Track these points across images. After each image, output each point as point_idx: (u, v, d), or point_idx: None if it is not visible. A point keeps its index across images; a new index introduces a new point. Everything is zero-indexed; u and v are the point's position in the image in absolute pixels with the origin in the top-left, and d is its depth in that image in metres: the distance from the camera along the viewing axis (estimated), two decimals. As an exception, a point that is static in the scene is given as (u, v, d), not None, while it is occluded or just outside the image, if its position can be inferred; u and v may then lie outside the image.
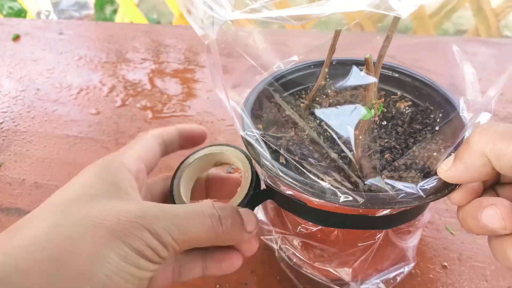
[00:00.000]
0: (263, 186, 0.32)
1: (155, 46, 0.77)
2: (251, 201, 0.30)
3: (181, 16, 1.25)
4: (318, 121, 0.33)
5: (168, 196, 0.31)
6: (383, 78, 0.35)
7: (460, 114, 0.31)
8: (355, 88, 0.36)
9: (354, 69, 0.27)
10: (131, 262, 0.22)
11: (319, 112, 0.33)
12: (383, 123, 0.33)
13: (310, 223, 0.30)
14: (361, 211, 0.27)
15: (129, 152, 0.29)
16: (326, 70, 0.31)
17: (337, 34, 0.28)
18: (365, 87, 0.26)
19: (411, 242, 0.35)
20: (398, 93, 0.36)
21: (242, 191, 0.30)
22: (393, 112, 0.34)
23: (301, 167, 0.28)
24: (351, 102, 0.35)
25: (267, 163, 0.27)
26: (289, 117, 0.33)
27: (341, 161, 0.28)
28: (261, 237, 0.40)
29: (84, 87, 0.67)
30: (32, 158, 0.53)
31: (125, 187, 0.26)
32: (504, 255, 0.23)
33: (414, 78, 0.35)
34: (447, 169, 0.25)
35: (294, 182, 0.26)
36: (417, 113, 0.34)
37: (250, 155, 0.29)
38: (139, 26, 0.90)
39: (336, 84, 0.37)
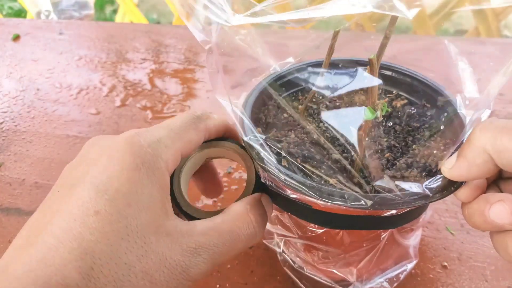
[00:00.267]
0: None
1: (155, 46, 0.77)
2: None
3: (181, 16, 1.25)
4: (317, 122, 0.33)
5: None
6: (379, 77, 0.35)
7: (458, 111, 0.31)
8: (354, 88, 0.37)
9: (359, 71, 0.27)
10: None
11: (321, 113, 0.33)
12: (381, 123, 0.33)
13: (315, 226, 0.30)
14: (367, 212, 0.27)
15: (176, 144, 0.27)
16: (325, 70, 0.31)
17: (336, 34, 0.28)
18: (367, 88, 0.26)
19: (413, 240, 0.35)
20: (394, 92, 0.36)
21: (248, 188, 0.30)
22: (390, 111, 0.34)
23: (304, 170, 0.28)
24: (349, 103, 0.35)
25: (273, 167, 0.27)
26: (288, 118, 0.33)
27: (344, 162, 0.28)
28: (263, 241, 0.40)
29: (84, 87, 0.67)
30: (32, 158, 0.53)
31: (165, 204, 0.25)
32: (506, 249, 0.23)
33: (409, 76, 0.35)
34: (450, 167, 0.25)
35: (301, 186, 0.26)
36: (414, 111, 0.34)
37: (252, 156, 0.29)
38: (139, 26, 0.90)
39: (337, 85, 0.37)
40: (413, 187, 0.25)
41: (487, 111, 0.28)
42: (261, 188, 0.30)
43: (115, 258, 0.21)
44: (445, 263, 0.38)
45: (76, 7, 1.89)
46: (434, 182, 0.26)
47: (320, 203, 0.26)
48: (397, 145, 0.31)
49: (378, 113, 0.25)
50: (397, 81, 0.36)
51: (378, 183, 0.26)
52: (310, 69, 0.37)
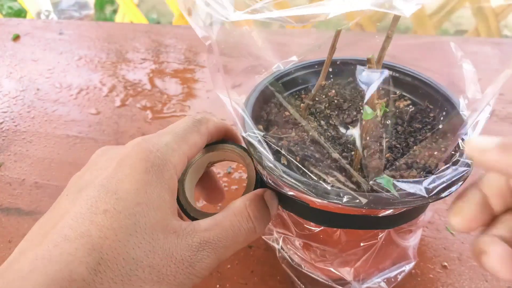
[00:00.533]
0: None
1: (155, 46, 0.77)
2: None
3: (181, 16, 1.25)
4: (319, 121, 0.33)
5: None
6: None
7: (460, 112, 0.31)
8: (355, 87, 0.37)
9: (359, 70, 0.26)
10: None
11: (322, 112, 0.33)
12: (383, 122, 0.33)
13: (313, 224, 0.30)
14: (364, 211, 0.27)
15: (182, 148, 0.27)
16: (327, 70, 0.31)
17: (337, 34, 0.28)
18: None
19: (412, 241, 0.35)
20: (397, 92, 0.36)
21: (249, 186, 0.30)
22: (393, 111, 0.34)
23: (303, 168, 0.28)
24: (351, 102, 0.35)
25: (270, 164, 0.27)
26: (289, 117, 0.33)
27: (343, 161, 0.28)
28: (262, 237, 0.40)
29: (84, 87, 0.67)
30: (32, 158, 0.53)
31: (173, 205, 0.26)
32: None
33: (413, 77, 0.35)
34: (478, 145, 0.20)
35: (297, 183, 0.26)
36: (416, 112, 0.34)
37: (251, 155, 0.29)
38: (139, 26, 0.90)
39: (338, 84, 0.37)
40: (410, 187, 0.25)
41: (487, 111, 0.28)
42: (262, 186, 0.30)
43: (123, 253, 0.22)
44: (445, 263, 0.38)
45: (76, 7, 1.89)
46: (432, 183, 0.26)
47: (316, 200, 0.26)
48: (398, 145, 0.31)
49: (378, 113, 0.25)
50: (401, 81, 0.36)
51: (373, 182, 0.26)
52: (312, 68, 0.37)
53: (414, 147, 0.30)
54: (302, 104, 0.34)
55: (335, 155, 0.29)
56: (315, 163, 0.28)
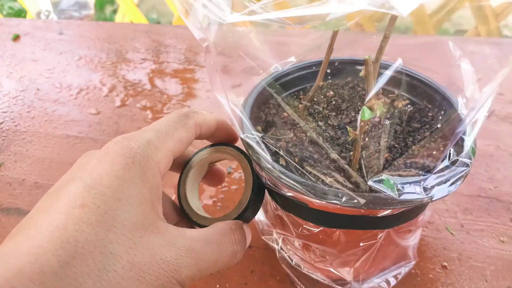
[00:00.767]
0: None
1: (155, 46, 0.77)
2: (255, 203, 0.30)
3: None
4: (317, 122, 0.33)
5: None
6: (380, 77, 0.35)
7: (459, 111, 0.31)
8: (353, 88, 0.37)
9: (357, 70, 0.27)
10: None
11: (320, 113, 0.33)
12: (381, 123, 0.33)
13: (312, 224, 0.30)
14: (363, 211, 0.27)
15: (166, 144, 0.26)
16: (324, 70, 0.31)
17: (335, 34, 0.28)
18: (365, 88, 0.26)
19: (412, 241, 0.35)
20: (396, 92, 0.36)
21: (245, 194, 0.30)
22: (391, 111, 0.34)
23: (301, 169, 0.28)
24: (349, 102, 0.35)
25: (268, 165, 0.27)
26: (287, 118, 0.33)
27: (341, 161, 0.28)
28: (262, 237, 0.40)
29: (84, 87, 0.67)
30: (32, 158, 0.53)
31: (156, 205, 0.25)
32: None
33: (411, 77, 0.35)
34: None
35: (296, 184, 0.26)
36: (415, 112, 0.34)
37: (250, 157, 0.29)
38: (139, 26, 0.90)
39: (336, 84, 0.37)
40: (409, 187, 0.25)
41: (485, 110, 0.28)
42: (260, 188, 0.30)
43: (100, 247, 0.21)
44: (445, 263, 0.38)
45: (76, 7, 1.89)
46: (430, 183, 0.26)
47: (315, 201, 0.26)
48: (396, 145, 0.31)
49: (378, 113, 0.25)
50: (399, 81, 0.36)
51: (371, 182, 0.26)
52: (310, 68, 0.37)
53: (413, 146, 0.30)
54: (300, 105, 0.34)
55: (334, 155, 0.29)
56: (313, 164, 0.28)
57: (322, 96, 0.36)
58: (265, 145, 0.29)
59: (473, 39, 0.93)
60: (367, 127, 0.31)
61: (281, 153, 0.29)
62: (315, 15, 0.23)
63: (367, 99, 0.24)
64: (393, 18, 0.24)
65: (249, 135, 0.29)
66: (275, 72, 0.35)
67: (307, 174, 0.28)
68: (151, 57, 0.74)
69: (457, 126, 0.29)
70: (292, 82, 0.37)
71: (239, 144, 0.32)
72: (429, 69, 0.36)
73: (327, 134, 0.32)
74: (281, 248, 0.37)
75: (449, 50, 0.32)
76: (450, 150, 0.28)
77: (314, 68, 0.37)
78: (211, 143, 0.33)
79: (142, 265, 0.22)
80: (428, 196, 0.25)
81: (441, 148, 0.30)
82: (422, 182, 0.25)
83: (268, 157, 0.27)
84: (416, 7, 0.21)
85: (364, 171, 0.27)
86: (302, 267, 0.36)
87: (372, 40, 0.29)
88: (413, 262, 0.36)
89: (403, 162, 0.29)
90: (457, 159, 0.27)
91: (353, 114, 0.33)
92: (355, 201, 0.25)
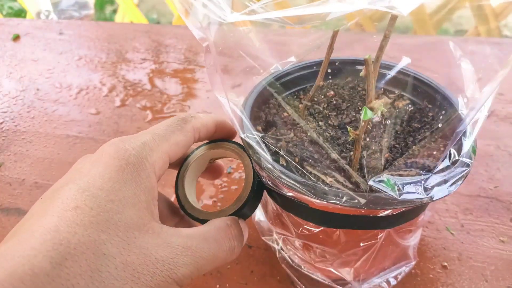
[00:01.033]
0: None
1: (155, 46, 0.77)
2: (253, 200, 0.30)
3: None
4: (317, 122, 0.33)
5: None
6: (380, 77, 0.35)
7: (459, 111, 0.31)
8: (353, 88, 0.37)
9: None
10: None
11: (321, 112, 0.33)
12: (382, 122, 0.33)
13: (312, 224, 0.30)
14: (363, 211, 0.27)
15: (162, 146, 0.26)
16: (325, 70, 0.31)
17: (335, 34, 0.28)
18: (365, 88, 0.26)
19: (412, 241, 0.35)
20: (396, 92, 0.36)
21: (245, 190, 0.30)
22: (392, 111, 0.34)
23: (301, 168, 0.28)
24: (350, 102, 0.35)
25: (268, 165, 0.27)
26: (288, 118, 0.33)
27: (342, 161, 0.28)
28: (262, 237, 0.40)
29: (84, 87, 0.67)
30: (32, 158, 0.53)
31: (151, 206, 0.25)
32: None
33: (412, 77, 0.35)
34: None
35: (296, 184, 0.26)
36: (415, 112, 0.34)
37: (250, 157, 0.29)
38: (139, 26, 0.90)
39: (337, 84, 0.37)
40: (409, 187, 0.25)
41: (485, 109, 0.28)
42: (260, 186, 0.30)
43: (92, 249, 0.21)
44: (445, 263, 0.38)
45: (76, 7, 1.89)
46: (431, 183, 0.26)
47: (315, 201, 0.26)
48: (397, 145, 0.31)
49: (379, 113, 0.25)
50: (400, 81, 0.36)
51: (372, 182, 0.26)
52: (311, 68, 0.37)
53: (413, 146, 0.30)
54: (300, 105, 0.34)
55: (334, 155, 0.29)
56: (314, 164, 0.28)
57: (323, 96, 0.36)
58: (266, 145, 0.29)
59: (473, 39, 0.93)
60: (367, 127, 0.31)
61: (282, 153, 0.29)
62: (315, 15, 0.23)
63: (368, 99, 0.24)
64: (394, 18, 0.23)
65: (249, 135, 0.29)
66: (276, 72, 0.35)
67: (307, 174, 0.28)
68: (151, 57, 0.74)
69: (458, 126, 0.29)
70: (293, 82, 0.37)
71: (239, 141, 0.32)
72: (429, 69, 0.36)
73: (327, 134, 0.32)
74: (281, 248, 0.37)
75: (449, 50, 0.32)
76: (450, 150, 0.28)
77: (314, 68, 0.37)
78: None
79: (136, 266, 0.22)
80: (428, 196, 0.25)
81: (442, 148, 0.30)
82: (422, 182, 0.25)
83: (268, 157, 0.27)
84: (417, 6, 0.21)
85: (364, 171, 0.27)
86: (302, 267, 0.36)
87: (372, 40, 0.29)
88: (413, 262, 0.36)
89: (404, 162, 0.29)
90: (458, 159, 0.27)
91: (354, 114, 0.33)
92: (356, 201, 0.25)
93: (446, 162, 0.27)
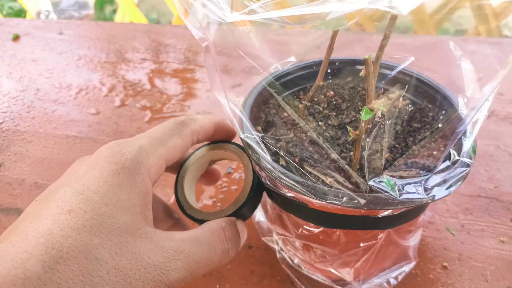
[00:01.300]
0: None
1: (155, 46, 0.77)
2: (253, 201, 0.30)
3: (181, 16, 1.25)
4: (317, 122, 0.33)
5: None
6: (380, 77, 0.35)
7: (459, 111, 0.31)
8: (353, 87, 0.36)
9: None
10: None
11: (319, 112, 0.33)
12: (382, 123, 0.33)
13: (312, 225, 0.30)
14: (363, 211, 0.27)
15: (159, 151, 0.26)
16: (325, 70, 0.31)
17: (335, 34, 0.28)
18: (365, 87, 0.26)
19: (412, 241, 0.35)
20: (396, 92, 0.36)
21: (244, 191, 0.30)
22: (392, 111, 0.34)
23: (301, 169, 0.28)
24: (350, 102, 0.35)
25: (268, 165, 0.27)
26: (288, 118, 0.33)
27: (342, 161, 0.28)
28: (262, 238, 0.40)
29: (84, 87, 0.67)
30: (32, 158, 0.53)
31: (145, 210, 0.25)
32: None
33: (412, 77, 0.35)
34: None
35: (296, 184, 0.26)
36: (415, 112, 0.34)
37: (250, 157, 0.29)
38: (139, 26, 0.90)
39: (337, 84, 0.37)
40: (409, 187, 0.25)
41: (485, 109, 0.28)
42: (259, 186, 0.30)
43: (85, 253, 0.21)
44: (445, 263, 0.38)
45: (76, 7, 1.89)
46: (431, 183, 0.26)
47: (315, 201, 0.26)
48: (397, 145, 0.31)
49: (379, 113, 0.25)
50: (400, 81, 0.36)
51: (372, 182, 0.26)
52: (310, 68, 0.37)
53: (413, 146, 0.30)
54: (300, 105, 0.34)
55: (334, 155, 0.29)
56: (313, 164, 0.28)
57: (323, 96, 0.36)
58: (265, 145, 0.29)
59: (473, 38, 0.93)
60: (367, 127, 0.31)
61: (281, 153, 0.29)
62: (315, 15, 0.23)
63: (368, 99, 0.24)
64: (394, 18, 0.23)
65: (249, 135, 0.29)
66: (275, 72, 0.35)
67: (307, 174, 0.28)
68: (150, 57, 0.74)
69: (458, 125, 0.29)
70: (292, 82, 0.37)
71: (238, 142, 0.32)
72: (429, 68, 0.36)
73: (327, 134, 0.32)
74: (281, 249, 0.37)
75: (449, 49, 0.31)
76: (450, 150, 0.28)
77: (314, 68, 0.37)
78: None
79: (128, 270, 0.22)
80: (428, 196, 0.25)
81: (442, 148, 0.30)
82: (422, 182, 0.25)
83: (268, 157, 0.27)
84: (417, 6, 0.21)
85: (364, 171, 0.27)
86: (302, 268, 0.36)
87: (372, 39, 0.29)
88: (414, 263, 0.36)
89: (404, 162, 0.29)
90: (458, 159, 0.27)
91: (354, 114, 0.33)
92: (356, 201, 0.25)
93: (446, 162, 0.27)
